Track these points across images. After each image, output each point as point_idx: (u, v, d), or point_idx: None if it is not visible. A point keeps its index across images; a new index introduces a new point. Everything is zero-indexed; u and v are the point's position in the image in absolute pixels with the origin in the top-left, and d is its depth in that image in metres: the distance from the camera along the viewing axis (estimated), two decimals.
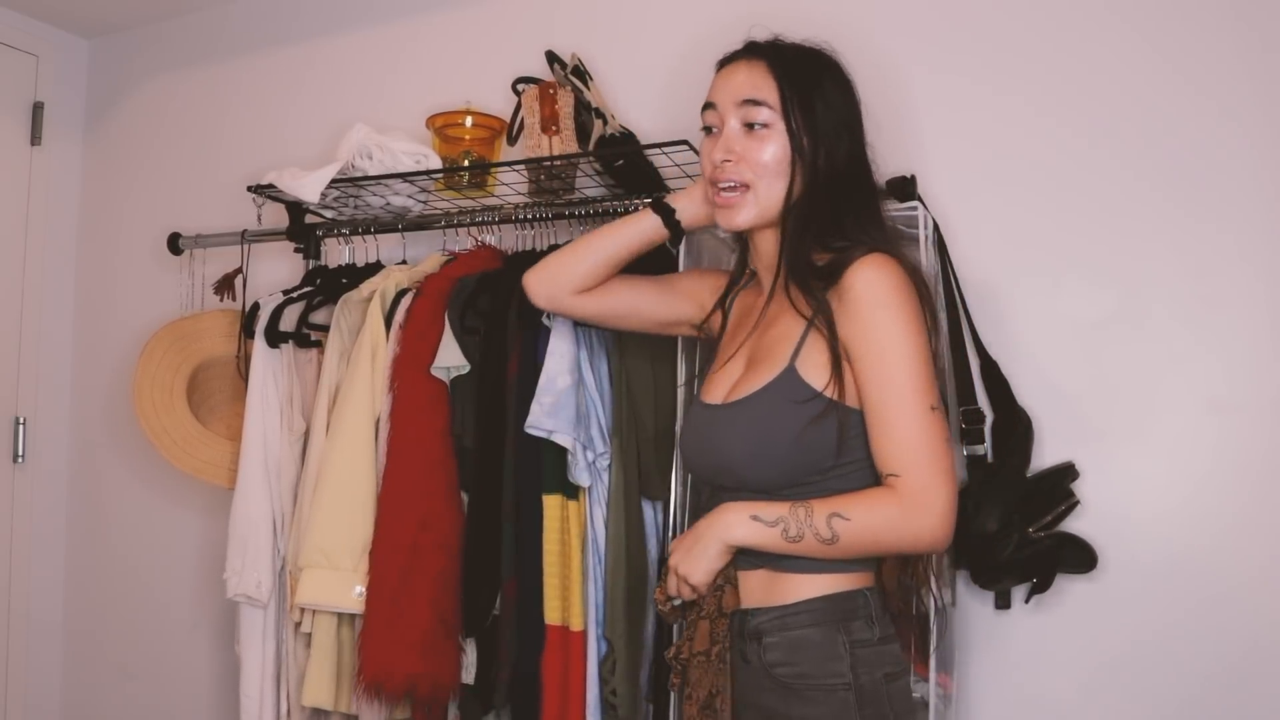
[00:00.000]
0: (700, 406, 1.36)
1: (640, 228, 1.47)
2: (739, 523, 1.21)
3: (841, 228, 1.27)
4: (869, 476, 1.23)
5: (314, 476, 1.84)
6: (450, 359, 1.74)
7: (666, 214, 1.45)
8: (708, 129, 1.35)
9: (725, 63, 1.36)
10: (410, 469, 1.73)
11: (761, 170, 1.28)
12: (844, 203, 1.29)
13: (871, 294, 1.19)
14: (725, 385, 1.32)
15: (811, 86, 1.30)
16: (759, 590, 1.24)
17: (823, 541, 1.17)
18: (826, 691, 1.19)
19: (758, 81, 1.29)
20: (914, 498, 1.16)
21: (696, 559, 1.23)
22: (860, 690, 1.18)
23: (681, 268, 1.65)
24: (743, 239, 1.43)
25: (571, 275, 1.48)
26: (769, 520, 1.18)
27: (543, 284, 1.51)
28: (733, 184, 1.30)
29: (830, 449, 1.21)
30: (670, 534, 1.61)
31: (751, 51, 1.33)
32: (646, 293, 1.51)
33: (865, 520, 1.17)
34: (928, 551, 1.25)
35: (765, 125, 1.28)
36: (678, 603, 1.29)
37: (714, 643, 1.23)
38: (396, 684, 1.65)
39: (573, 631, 1.60)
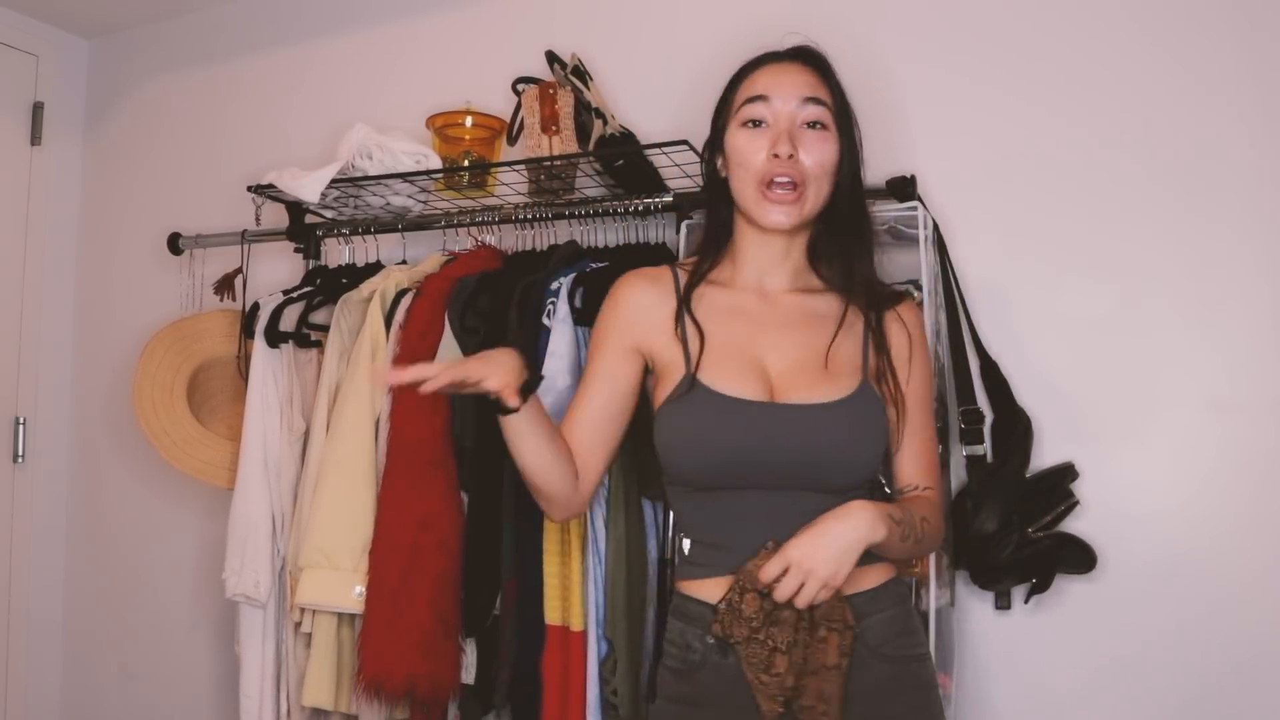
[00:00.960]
0: (756, 404, 1.22)
1: (517, 428, 1.22)
2: (879, 521, 1.16)
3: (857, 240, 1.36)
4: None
5: (314, 476, 1.84)
6: (450, 359, 1.74)
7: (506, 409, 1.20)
8: (753, 122, 1.28)
9: (771, 59, 1.33)
10: (410, 469, 1.73)
11: (818, 170, 1.27)
12: (860, 219, 1.35)
13: (918, 333, 1.35)
14: (760, 380, 1.24)
15: (847, 103, 1.34)
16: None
17: (915, 541, 1.23)
18: (922, 661, 1.27)
19: (816, 84, 1.30)
20: (939, 507, 1.31)
21: (839, 561, 1.13)
22: (931, 660, 1.31)
23: (681, 258, 1.64)
24: (711, 228, 1.38)
25: (562, 483, 1.27)
26: (898, 519, 1.20)
27: (567, 507, 1.32)
28: (790, 181, 1.26)
29: None
30: (670, 534, 1.61)
31: (807, 56, 1.33)
32: (612, 401, 1.33)
33: (934, 523, 1.28)
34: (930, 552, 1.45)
35: (825, 126, 1.29)
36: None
37: (842, 655, 1.15)
38: (396, 684, 1.65)
39: (573, 631, 1.60)
